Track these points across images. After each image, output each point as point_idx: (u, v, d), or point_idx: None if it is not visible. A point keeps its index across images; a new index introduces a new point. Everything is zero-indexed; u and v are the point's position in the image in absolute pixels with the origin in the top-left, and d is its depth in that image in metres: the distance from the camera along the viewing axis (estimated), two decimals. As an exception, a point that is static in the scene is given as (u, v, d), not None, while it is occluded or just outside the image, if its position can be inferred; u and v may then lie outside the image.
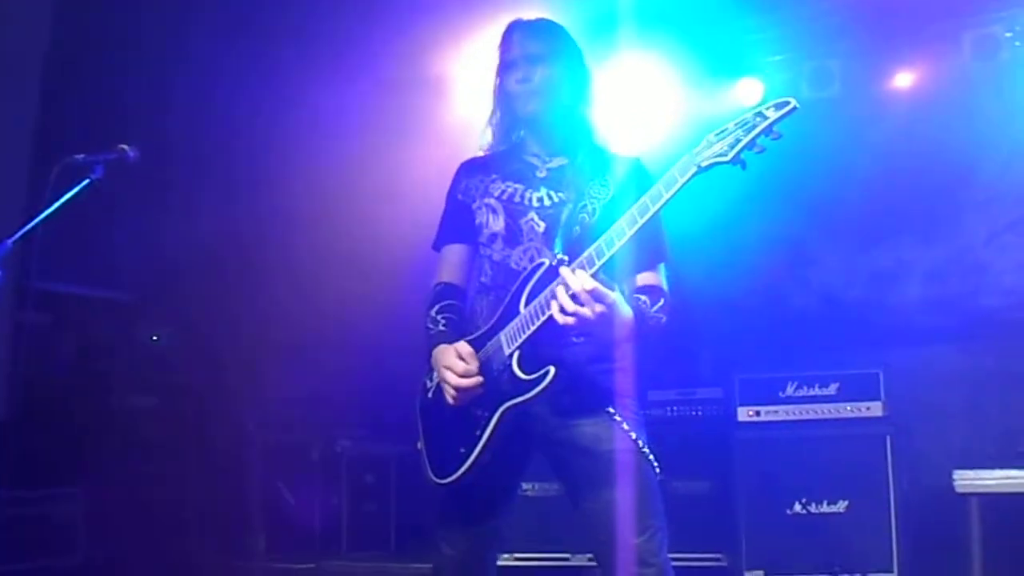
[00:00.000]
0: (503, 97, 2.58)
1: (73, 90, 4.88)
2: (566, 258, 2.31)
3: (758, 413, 4.57)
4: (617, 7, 4.55)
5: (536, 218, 2.48)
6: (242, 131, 5.32)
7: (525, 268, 2.42)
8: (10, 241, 2.62)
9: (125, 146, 2.81)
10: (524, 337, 2.31)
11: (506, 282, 2.45)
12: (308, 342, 5.41)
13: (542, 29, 2.59)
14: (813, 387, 4.54)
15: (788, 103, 2.06)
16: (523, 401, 2.29)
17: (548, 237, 2.45)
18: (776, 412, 4.56)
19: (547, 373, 2.25)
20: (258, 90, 5.26)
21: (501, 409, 2.33)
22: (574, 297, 2.19)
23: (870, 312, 4.96)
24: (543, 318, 2.26)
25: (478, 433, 2.36)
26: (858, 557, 4.25)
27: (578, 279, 2.19)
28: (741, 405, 4.62)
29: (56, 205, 2.69)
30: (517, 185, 2.55)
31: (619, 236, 2.19)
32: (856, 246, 5.04)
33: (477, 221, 2.56)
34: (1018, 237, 4.96)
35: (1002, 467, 4.06)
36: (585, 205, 2.44)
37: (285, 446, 5.56)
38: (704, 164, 2.10)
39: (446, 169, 2.71)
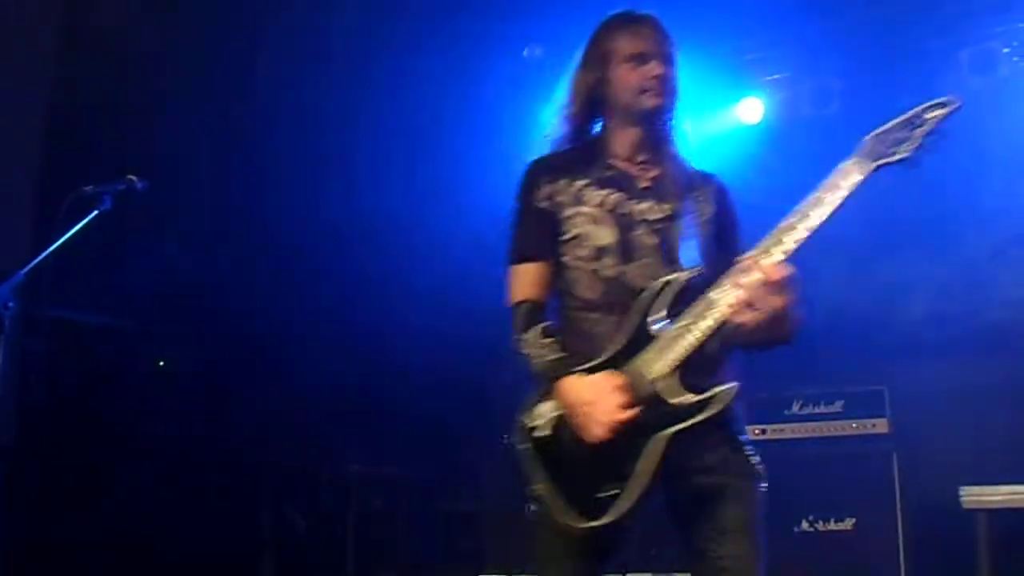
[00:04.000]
0: (604, 87, 2.42)
1: (79, 121, 4.93)
2: (702, 270, 2.23)
3: (764, 431, 4.58)
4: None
5: (646, 232, 2.35)
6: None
7: (643, 287, 2.25)
8: (23, 272, 2.65)
9: (133, 177, 2.85)
10: (678, 359, 2.13)
11: (623, 300, 2.28)
12: (315, 365, 5.43)
13: (667, 31, 2.48)
14: (818, 405, 4.56)
15: (952, 102, 2.09)
16: (685, 427, 2.12)
17: (660, 252, 2.32)
18: (782, 430, 4.58)
19: (714, 395, 2.11)
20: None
21: (656, 438, 2.13)
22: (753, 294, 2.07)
23: (874, 329, 4.96)
24: (704, 333, 2.11)
25: (631, 467, 2.14)
26: (866, 574, 4.25)
27: (775, 266, 2.06)
28: (747, 423, 4.59)
29: (67, 236, 2.72)
30: (619, 194, 2.39)
31: (795, 236, 2.09)
32: (859, 262, 5.05)
33: (569, 232, 2.37)
34: (1022, 251, 4.97)
35: (1009, 483, 4.05)
36: (692, 219, 2.36)
37: (294, 469, 5.57)
38: (882, 163, 2.10)
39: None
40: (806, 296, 5.06)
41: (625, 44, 2.42)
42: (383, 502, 5.64)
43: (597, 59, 2.45)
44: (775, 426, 4.59)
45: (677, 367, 2.14)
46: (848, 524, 4.37)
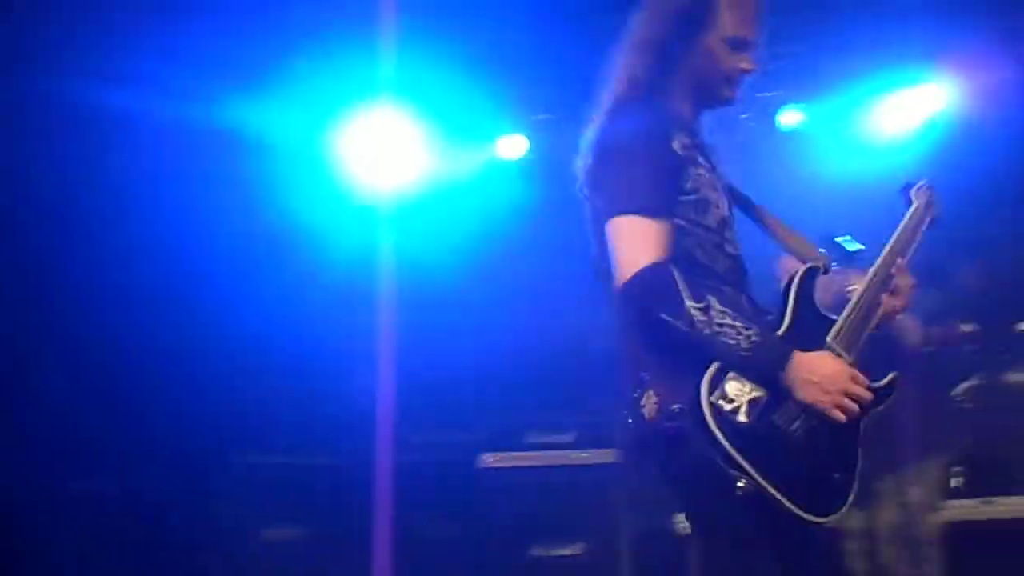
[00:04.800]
0: (687, 47, 2.15)
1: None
2: (829, 261, 2.23)
3: (501, 459, 4.69)
4: (377, 60, 4.62)
5: (730, 211, 2.20)
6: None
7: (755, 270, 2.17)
8: None
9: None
10: (862, 341, 2.09)
11: (743, 282, 2.14)
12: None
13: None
14: (554, 433, 4.73)
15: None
16: (877, 411, 2.07)
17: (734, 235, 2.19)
18: (516, 458, 4.70)
19: (893, 379, 2.10)
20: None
21: (863, 423, 2.04)
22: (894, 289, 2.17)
23: (611, 361, 5.19)
24: (877, 315, 2.14)
25: (850, 452, 2.04)
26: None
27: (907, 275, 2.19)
28: (485, 451, 4.73)
29: None
30: (709, 163, 2.16)
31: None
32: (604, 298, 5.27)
33: (695, 194, 2.07)
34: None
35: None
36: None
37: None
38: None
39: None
40: (547, 327, 5.29)
41: (731, 20, 2.14)
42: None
43: (699, 15, 2.15)
44: (510, 454, 4.71)
45: (856, 353, 2.09)
46: (576, 549, 4.54)
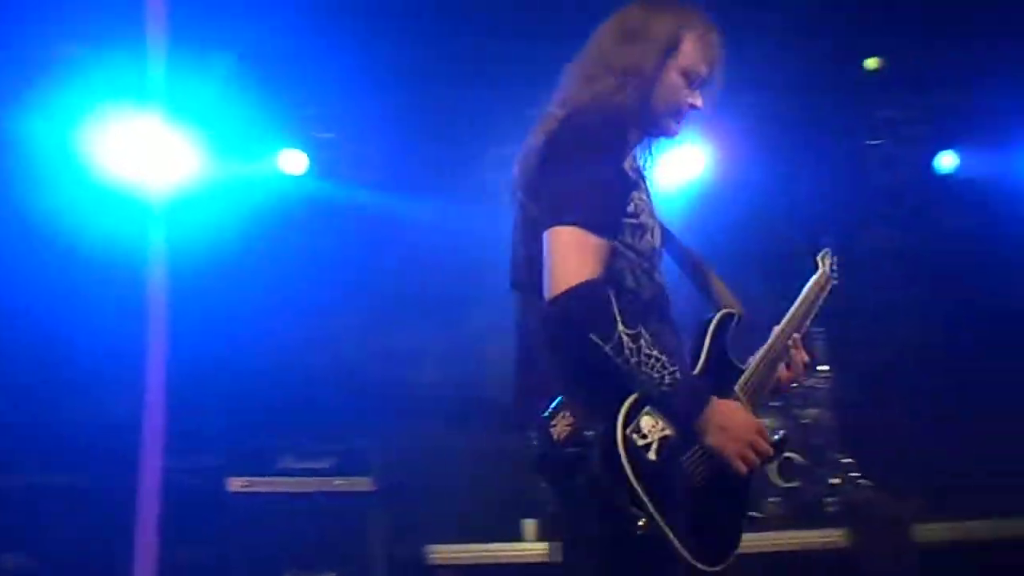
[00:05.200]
0: (646, 75, 2.12)
1: None
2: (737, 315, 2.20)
3: (250, 483, 4.56)
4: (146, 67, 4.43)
5: (661, 242, 2.18)
6: None
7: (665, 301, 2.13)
8: None
9: None
10: (761, 397, 2.15)
11: (668, 314, 2.10)
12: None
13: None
14: (309, 459, 4.64)
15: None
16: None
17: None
18: (270, 483, 4.58)
19: (784, 437, 2.15)
20: None
21: (757, 475, 2.04)
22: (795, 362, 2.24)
23: (370, 390, 5.19)
24: (773, 378, 2.19)
25: (740, 502, 2.06)
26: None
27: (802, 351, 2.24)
28: (233, 475, 4.58)
29: None
30: (646, 192, 2.15)
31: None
32: (372, 326, 5.28)
33: (636, 217, 2.04)
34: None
35: (475, 541, 4.42)
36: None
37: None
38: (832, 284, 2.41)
39: None
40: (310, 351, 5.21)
41: (692, 54, 2.14)
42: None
43: (662, 44, 2.13)
44: (263, 479, 4.59)
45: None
46: (326, 579, 4.48)
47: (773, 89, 5.21)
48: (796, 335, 2.26)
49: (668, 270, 2.22)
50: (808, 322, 2.32)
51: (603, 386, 1.89)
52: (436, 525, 4.72)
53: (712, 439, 1.93)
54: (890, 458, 4.92)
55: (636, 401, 1.89)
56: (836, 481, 4.92)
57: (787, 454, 4.75)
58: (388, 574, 4.56)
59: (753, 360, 2.18)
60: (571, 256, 1.90)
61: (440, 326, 5.47)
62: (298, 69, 5.12)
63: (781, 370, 2.22)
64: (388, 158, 5.65)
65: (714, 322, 2.14)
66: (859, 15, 4.90)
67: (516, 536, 4.45)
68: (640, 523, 1.84)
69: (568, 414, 1.92)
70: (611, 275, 1.97)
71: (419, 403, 5.28)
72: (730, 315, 2.17)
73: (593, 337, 1.86)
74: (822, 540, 4.58)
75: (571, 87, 2.16)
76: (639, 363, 1.87)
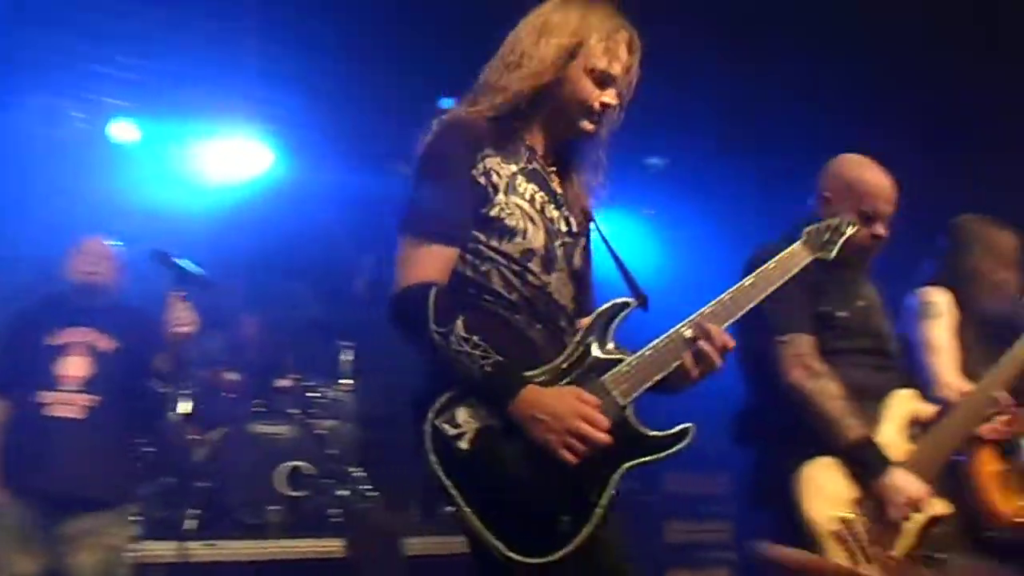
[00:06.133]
0: (554, 76, 2.15)
1: None
2: (635, 304, 2.13)
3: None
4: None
5: (561, 243, 2.18)
6: None
7: (562, 302, 2.15)
8: None
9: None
10: (644, 388, 2.04)
11: (548, 312, 2.13)
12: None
13: (640, 53, 2.24)
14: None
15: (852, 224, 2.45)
16: (654, 460, 2.01)
17: (567, 268, 2.19)
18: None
19: (686, 431, 2.01)
20: None
21: (623, 468, 1.99)
22: (703, 351, 2.04)
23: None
24: (670, 368, 2.05)
25: (595, 496, 1.96)
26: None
27: (720, 333, 2.05)
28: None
29: None
30: (543, 195, 2.18)
31: (749, 303, 2.13)
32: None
33: (501, 220, 2.09)
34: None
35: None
36: (588, 243, 2.29)
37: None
38: (818, 257, 2.31)
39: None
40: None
41: (597, 54, 2.17)
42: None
43: (565, 46, 2.16)
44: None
45: (636, 398, 2.04)
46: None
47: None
48: (716, 329, 2.09)
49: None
50: (735, 315, 2.17)
51: (440, 379, 1.99)
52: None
53: (531, 430, 1.94)
54: (400, 474, 5.15)
55: (457, 393, 1.96)
56: (344, 492, 5.10)
57: (296, 463, 4.86)
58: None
59: (641, 351, 2.09)
60: (402, 264, 2.06)
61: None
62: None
63: (686, 358, 2.07)
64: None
65: (597, 311, 2.14)
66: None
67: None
68: (449, 508, 1.93)
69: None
70: (476, 276, 2.09)
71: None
72: (623, 305, 2.14)
73: (414, 336, 2.00)
74: (321, 549, 4.70)
75: (476, 87, 2.23)
76: (455, 357, 1.94)
